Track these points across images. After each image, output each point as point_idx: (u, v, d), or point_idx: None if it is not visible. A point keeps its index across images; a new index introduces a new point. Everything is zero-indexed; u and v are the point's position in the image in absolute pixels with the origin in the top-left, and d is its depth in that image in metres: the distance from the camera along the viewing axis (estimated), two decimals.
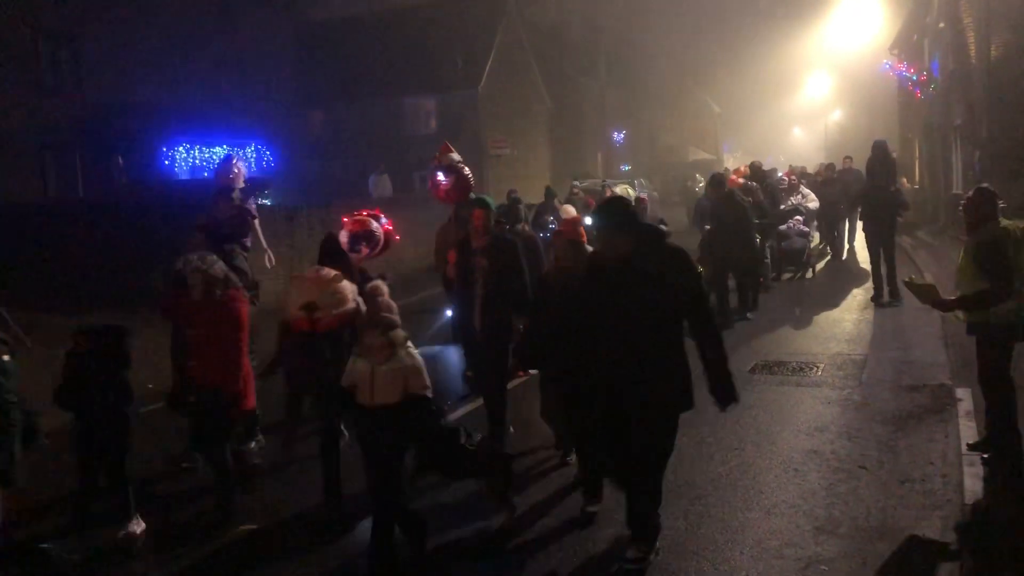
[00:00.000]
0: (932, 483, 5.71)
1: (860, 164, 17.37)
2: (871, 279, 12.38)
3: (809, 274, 14.98)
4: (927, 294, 6.07)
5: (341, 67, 34.15)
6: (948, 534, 4.99)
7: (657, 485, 4.70)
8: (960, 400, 7.33)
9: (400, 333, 4.79)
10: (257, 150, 23.50)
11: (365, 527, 4.98)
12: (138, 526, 5.44)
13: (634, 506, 4.68)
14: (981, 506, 5.33)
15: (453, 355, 9.51)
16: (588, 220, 7.35)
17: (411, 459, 4.96)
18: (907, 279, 6.61)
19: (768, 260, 14.09)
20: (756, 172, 14.70)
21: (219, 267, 5.74)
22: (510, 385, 7.05)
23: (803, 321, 11.43)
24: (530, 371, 6.59)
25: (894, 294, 11.89)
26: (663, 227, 11.96)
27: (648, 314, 4.40)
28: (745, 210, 11.54)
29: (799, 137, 74.50)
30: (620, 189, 27.44)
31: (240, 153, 22.60)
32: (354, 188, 25.60)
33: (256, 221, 8.49)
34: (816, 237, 17.10)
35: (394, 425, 4.70)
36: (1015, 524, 5.10)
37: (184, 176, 20.58)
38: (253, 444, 6.69)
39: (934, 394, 7.72)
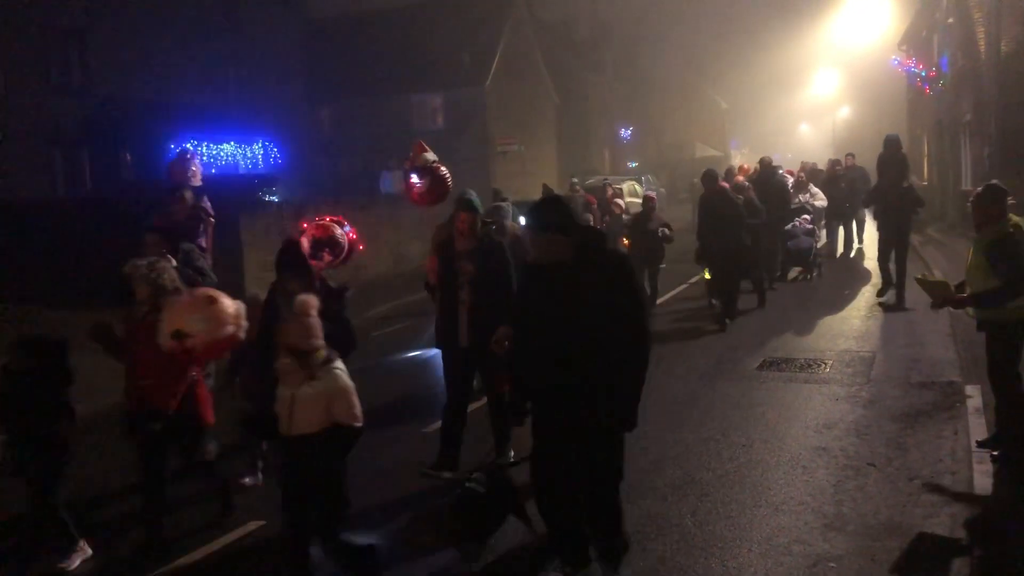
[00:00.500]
0: (941, 480, 5.69)
1: (865, 161, 17.33)
2: (880, 275, 12.05)
3: (816, 274, 14.70)
4: (939, 291, 6.05)
5: (348, 64, 34.16)
6: (957, 531, 4.96)
7: (610, 507, 4.34)
8: (969, 397, 7.30)
9: (317, 356, 4.33)
10: (264, 147, 23.53)
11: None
12: (80, 555, 5.08)
13: (593, 528, 4.38)
14: (991, 503, 5.31)
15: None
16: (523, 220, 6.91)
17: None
18: (919, 276, 6.57)
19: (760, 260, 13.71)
20: (766, 168, 14.42)
21: (169, 276, 5.28)
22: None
23: (811, 318, 11.39)
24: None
25: (900, 296, 11.55)
26: (667, 231, 12.00)
27: (587, 325, 4.00)
28: (738, 208, 11.21)
29: (807, 134, 74.37)
30: (627, 187, 27.50)
31: (251, 149, 22.68)
32: (361, 185, 25.61)
33: (212, 220, 7.97)
34: (824, 236, 16.87)
35: (310, 458, 4.27)
36: None
37: None
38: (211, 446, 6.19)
39: (943, 391, 7.69)
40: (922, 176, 27.68)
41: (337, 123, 34.42)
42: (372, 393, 8.89)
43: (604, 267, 4.07)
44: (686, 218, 22.11)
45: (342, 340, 5.29)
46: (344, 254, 6.36)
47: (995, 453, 5.87)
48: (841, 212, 16.74)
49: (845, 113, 57.81)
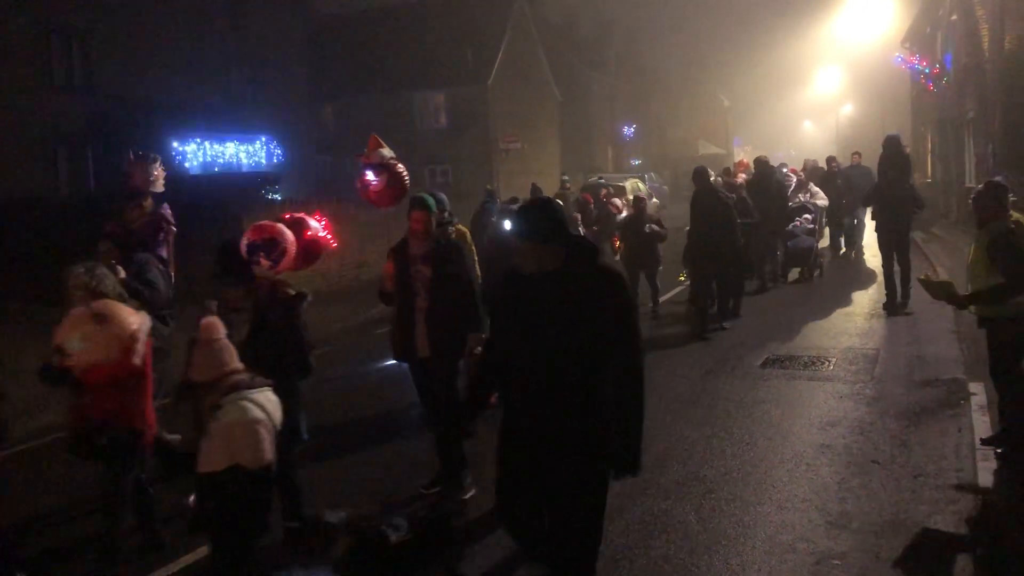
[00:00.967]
0: (946, 477, 5.68)
1: (871, 159, 17.19)
2: (884, 285, 11.45)
3: (817, 274, 14.44)
4: (943, 291, 6.05)
5: (351, 61, 34.18)
6: (962, 528, 4.96)
7: (585, 566, 3.68)
8: (974, 394, 7.30)
9: (223, 385, 3.88)
10: (267, 144, 23.54)
11: None
12: None
13: None
14: (995, 500, 5.30)
15: None
16: (507, 225, 6.33)
17: None
18: (922, 277, 6.54)
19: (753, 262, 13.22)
20: (762, 168, 14.02)
21: (109, 283, 4.79)
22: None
23: (814, 316, 11.37)
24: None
25: (906, 298, 11.15)
26: (659, 229, 11.77)
27: (573, 344, 3.50)
28: (729, 208, 10.81)
29: (810, 131, 74.29)
30: (630, 184, 27.47)
31: (254, 147, 22.70)
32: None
33: (173, 229, 7.30)
34: (825, 236, 16.59)
35: (214, 500, 3.86)
36: None
37: (195, 171, 20.64)
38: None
39: (947, 388, 7.68)
40: (926, 173, 27.66)
41: (340, 120, 34.45)
42: (374, 396, 8.95)
43: (596, 283, 3.54)
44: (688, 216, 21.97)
45: (294, 360, 4.97)
46: (286, 259, 5.36)
47: (999, 450, 5.87)
48: (837, 211, 16.39)
49: (848, 110, 57.72)
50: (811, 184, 15.64)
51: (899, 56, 27.33)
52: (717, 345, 10.00)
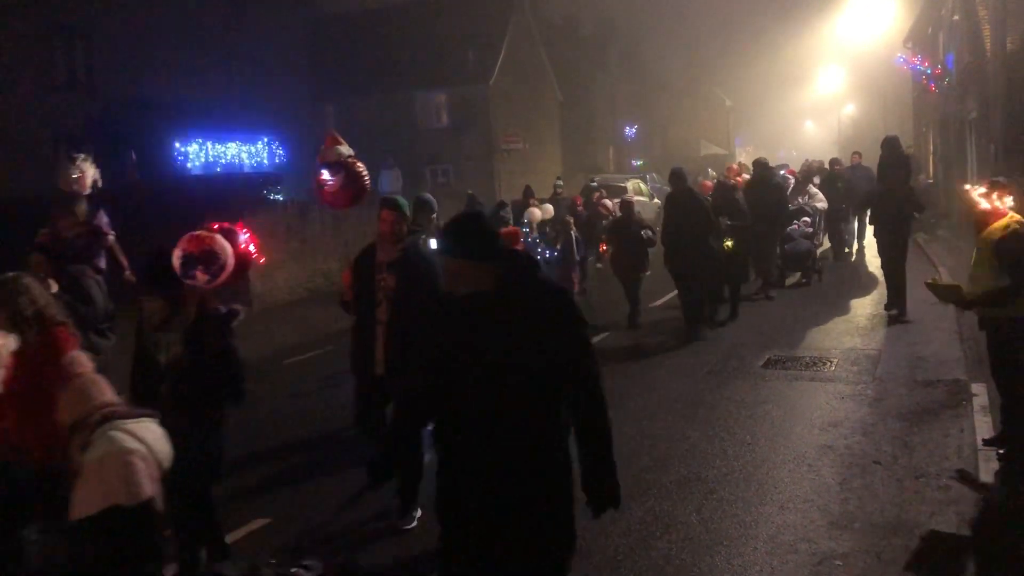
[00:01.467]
0: (947, 478, 5.68)
1: (871, 159, 17.10)
2: (886, 286, 11.14)
3: (816, 279, 13.97)
4: (950, 295, 6.03)
5: (353, 61, 34.19)
6: (964, 529, 4.96)
7: None
8: (975, 395, 7.29)
9: (92, 420, 3.44)
10: (269, 145, 23.56)
11: None
12: None
13: None
14: (997, 501, 5.31)
15: None
16: (433, 244, 5.79)
17: None
18: (929, 281, 6.47)
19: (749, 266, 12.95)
20: (761, 170, 13.38)
21: (29, 298, 4.26)
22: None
23: (816, 316, 11.36)
24: None
25: (900, 309, 10.69)
26: (650, 233, 11.33)
27: (520, 378, 3.04)
28: (705, 210, 10.38)
29: (812, 131, 74.26)
30: (631, 185, 27.38)
31: (255, 147, 22.70)
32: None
33: (111, 237, 6.73)
34: (824, 240, 16.28)
35: (93, 548, 3.41)
36: None
37: (197, 171, 20.66)
38: None
39: (949, 389, 7.67)
40: (928, 174, 27.65)
41: (341, 120, 34.38)
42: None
43: (540, 303, 3.14)
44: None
45: (226, 386, 4.47)
46: (225, 272, 4.86)
47: (1001, 451, 5.87)
48: (839, 214, 16.17)
49: (850, 110, 57.71)
50: (810, 186, 15.37)
51: (901, 56, 27.32)
52: (718, 345, 9.99)
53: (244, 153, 22.63)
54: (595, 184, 20.87)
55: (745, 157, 44.85)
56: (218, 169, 21.29)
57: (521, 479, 3.06)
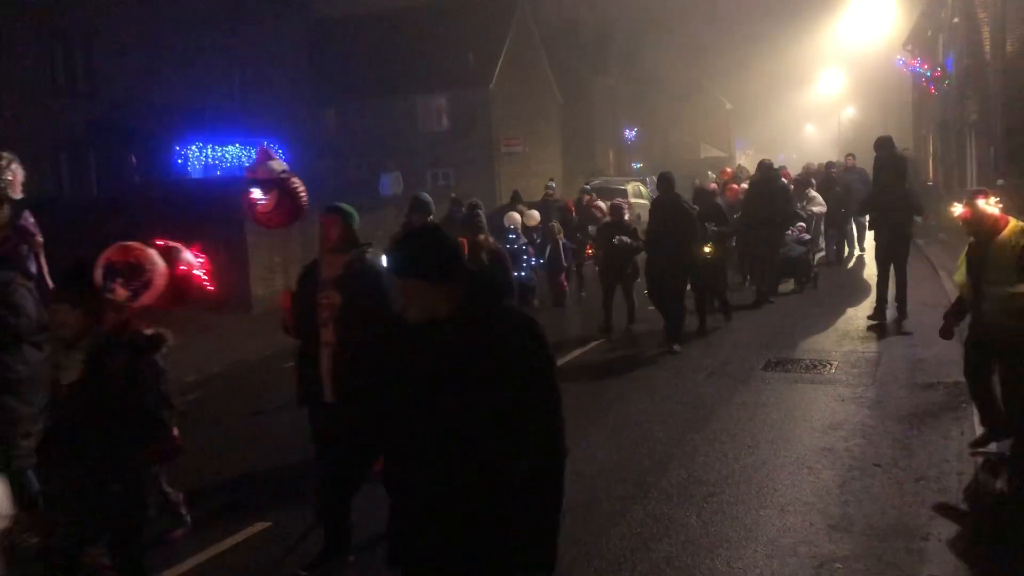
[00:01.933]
0: (947, 481, 5.68)
1: (866, 161, 16.96)
2: (876, 298, 10.93)
3: (811, 286, 13.63)
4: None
5: (354, 65, 34.24)
6: (964, 532, 4.96)
7: None
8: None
9: None
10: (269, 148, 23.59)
11: None
12: None
13: None
14: (997, 504, 5.31)
15: None
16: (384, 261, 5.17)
17: None
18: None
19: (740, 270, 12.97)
20: (765, 172, 13.25)
21: None
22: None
23: (816, 319, 11.36)
24: None
25: (902, 316, 10.54)
26: (625, 239, 10.75)
27: (479, 418, 2.67)
28: (690, 218, 10.03)
29: (812, 134, 74.30)
30: (631, 188, 27.36)
31: (255, 151, 22.73)
32: (366, 187, 25.66)
33: (38, 240, 6.31)
34: (821, 244, 16.04)
35: None
36: None
37: (197, 175, 20.70)
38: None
39: (949, 392, 7.68)
40: (928, 176, 27.67)
41: (342, 124, 34.50)
42: None
43: (503, 332, 2.73)
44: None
45: (136, 423, 3.80)
46: (148, 290, 4.30)
47: (994, 452, 5.86)
48: (836, 219, 16.02)
49: (850, 113, 57.75)
50: (809, 190, 15.19)
51: (901, 59, 27.37)
52: (719, 348, 10.00)
53: (244, 156, 22.68)
54: (587, 188, 20.76)
55: (745, 160, 44.93)
56: (218, 172, 21.33)
57: (480, 523, 2.69)
